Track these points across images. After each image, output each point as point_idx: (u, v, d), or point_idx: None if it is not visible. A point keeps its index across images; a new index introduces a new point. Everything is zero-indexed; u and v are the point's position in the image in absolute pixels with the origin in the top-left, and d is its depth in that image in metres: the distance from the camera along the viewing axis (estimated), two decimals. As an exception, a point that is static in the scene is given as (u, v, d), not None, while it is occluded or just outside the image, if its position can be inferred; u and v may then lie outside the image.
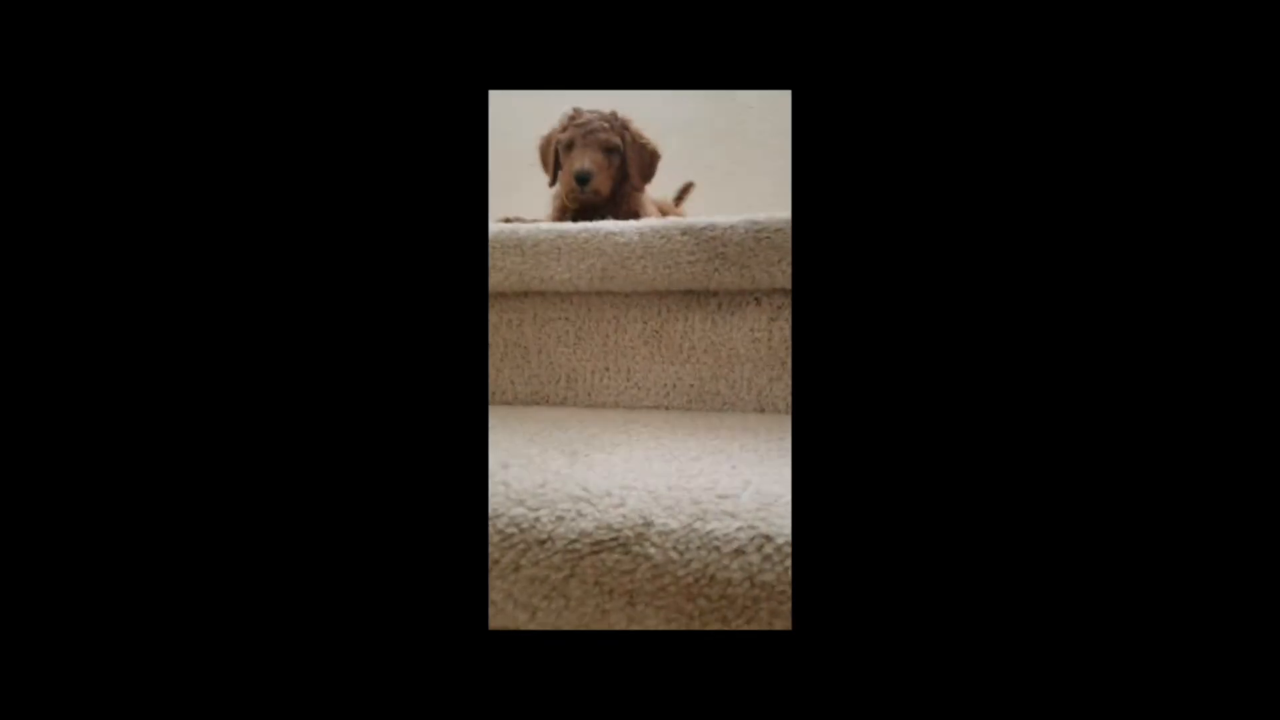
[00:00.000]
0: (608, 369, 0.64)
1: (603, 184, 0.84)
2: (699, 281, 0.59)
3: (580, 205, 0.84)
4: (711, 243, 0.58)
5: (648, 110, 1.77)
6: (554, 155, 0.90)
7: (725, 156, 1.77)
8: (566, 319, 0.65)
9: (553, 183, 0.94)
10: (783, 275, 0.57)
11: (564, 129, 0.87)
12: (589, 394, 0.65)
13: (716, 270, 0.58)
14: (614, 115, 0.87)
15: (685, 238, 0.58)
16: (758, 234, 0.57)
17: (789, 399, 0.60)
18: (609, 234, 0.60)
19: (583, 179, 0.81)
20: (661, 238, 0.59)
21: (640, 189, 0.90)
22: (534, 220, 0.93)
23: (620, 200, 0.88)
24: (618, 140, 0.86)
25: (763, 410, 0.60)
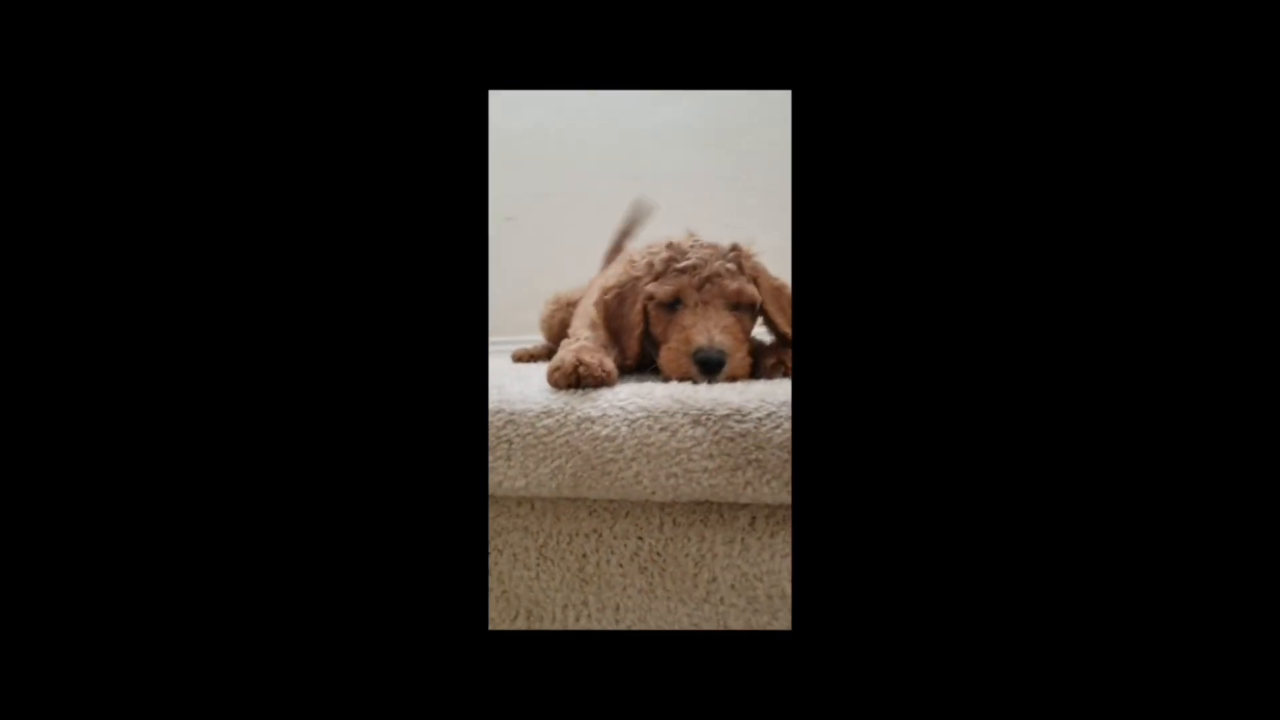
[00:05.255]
0: (585, 603, 0.43)
1: (740, 368, 0.46)
2: (717, 493, 0.39)
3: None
4: (739, 442, 0.38)
5: (638, 155, 1.59)
6: (642, 316, 0.50)
7: (730, 208, 1.59)
8: (525, 530, 0.44)
9: (634, 355, 0.51)
10: (852, 493, 0.37)
11: (655, 274, 0.49)
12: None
13: (749, 483, 0.38)
14: (735, 249, 0.50)
15: (699, 431, 0.38)
16: (812, 432, 0.37)
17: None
18: (584, 423, 0.40)
19: (712, 366, 0.44)
20: (663, 431, 0.39)
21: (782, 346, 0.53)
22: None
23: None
24: (753, 290, 0.49)
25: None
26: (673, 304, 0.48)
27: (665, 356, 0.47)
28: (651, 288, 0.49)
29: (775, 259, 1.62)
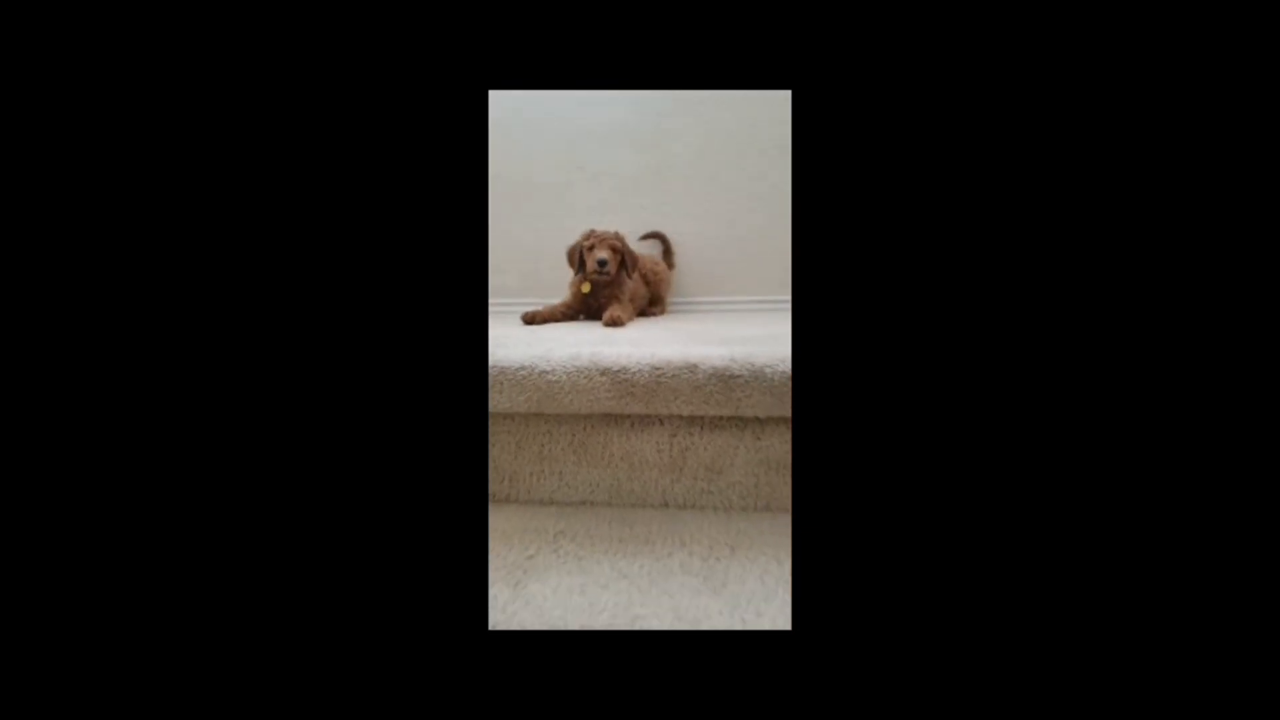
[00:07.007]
0: (543, 472, 0.80)
1: (614, 268, 1.40)
2: (613, 409, 0.75)
3: (598, 280, 1.40)
4: (623, 384, 0.74)
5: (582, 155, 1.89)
6: (579, 256, 1.45)
7: (652, 200, 1.92)
8: (509, 432, 0.79)
9: (577, 272, 1.46)
10: (677, 405, 0.74)
11: (587, 239, 1.43)
12: (528, 491, 0.80)
13: (626, 404, 0.74)
14: (618, 234, 1.45)
15: (604, 378, 0.74)
16: (658, 376, 0.73)
17: (687, 498, 0.78)
18: (543, 373, 0.75)
19: (602, 263, 1.38)
20: (585, 378, 0.74)
21: (630, 277, 1.47)
22: (550, 306, 1.42)
23: (619, 285, 1.43)
24: (621, 245, 1.44)
25: (666, 505, 0.78)
26: (591, 248, 1.41)
27: (587, 265, 1.40)
28: (583, 244, 1.44)
29: (691, 242, 2.06)
